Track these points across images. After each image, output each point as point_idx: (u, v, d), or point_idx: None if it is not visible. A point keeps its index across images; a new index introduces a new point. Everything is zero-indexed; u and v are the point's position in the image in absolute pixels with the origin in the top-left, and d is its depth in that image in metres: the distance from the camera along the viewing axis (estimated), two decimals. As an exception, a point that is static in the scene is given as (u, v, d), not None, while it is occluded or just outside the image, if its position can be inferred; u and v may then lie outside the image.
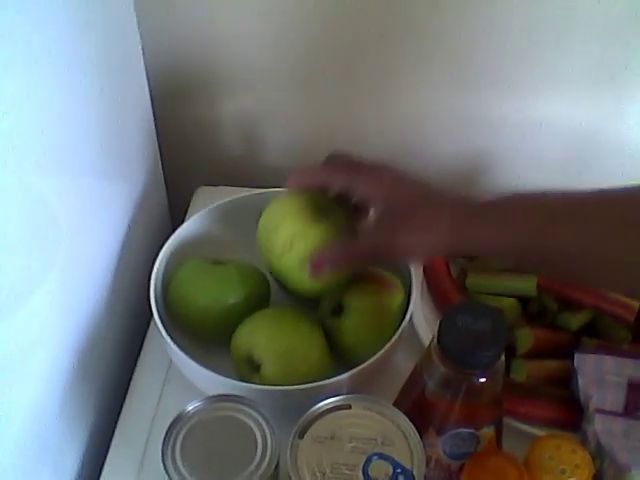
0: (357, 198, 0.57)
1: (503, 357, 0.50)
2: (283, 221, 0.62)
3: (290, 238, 0.61)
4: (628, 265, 0.49)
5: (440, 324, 0.50)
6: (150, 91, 0.77)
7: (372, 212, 0.57)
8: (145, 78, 0.75)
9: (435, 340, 0.50)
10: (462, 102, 0.82)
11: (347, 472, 0.49)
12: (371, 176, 0.56)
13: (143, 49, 0.73)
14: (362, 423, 0.51)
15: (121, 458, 0.62)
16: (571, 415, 0.62)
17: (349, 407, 0.52)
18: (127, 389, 0.66)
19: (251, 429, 0.51)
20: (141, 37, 0.72)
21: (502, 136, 0.85)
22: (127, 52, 0.70)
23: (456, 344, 0.49)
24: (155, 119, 0.79)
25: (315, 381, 0.58)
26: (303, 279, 0.62)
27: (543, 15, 0.73)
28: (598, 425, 0.58)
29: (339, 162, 0.58)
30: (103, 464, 0.61)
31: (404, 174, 0.55)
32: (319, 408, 0.52)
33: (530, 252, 0.51)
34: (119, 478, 0.61)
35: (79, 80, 0.56)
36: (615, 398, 0.60)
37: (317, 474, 0.49)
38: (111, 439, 0.63)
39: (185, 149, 0.89)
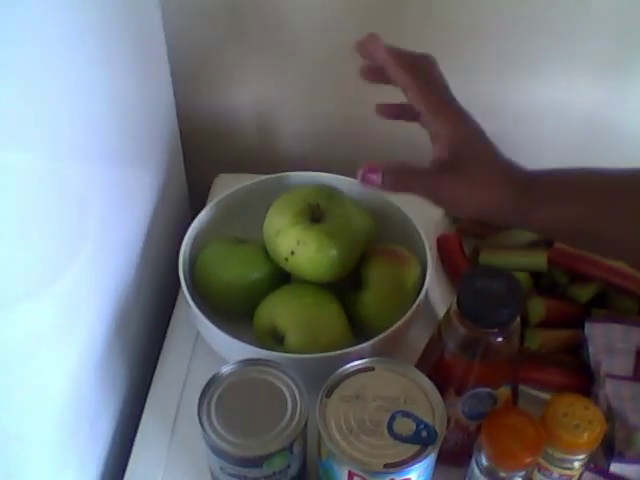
0: (430, 130, 0.54)
1: (519, 318, 0.53)
2: (284, 227, 0.65)
3: (292, 245, 0.64)
4: None
5: (459, 287, 0.53)
6: (173, 82, 0.80)
7: (436, 148, 0.53)
8: (168, 69, 0.78)
9: (455, 303, 0.53)
10: (466, 88, 0.84)
11: (373, 428, 0.51)
12: (453, 114, 0.54)
13: (166, 40, 0.76)
14: (385, 384, 0.54)
15: (154, 422, 0.65)
16: (582, 381, 0.64)
17: (373, 369, 0.55)
18: (157, 360, 0.69)
19: (281, 390, 0.54)
20: (165, 31, 0.75)
21: (507, 121, 0.87)
22: (150, 44, 0.73)
23: (475, 304, 0.51)
24: (177, 111, 0.82)
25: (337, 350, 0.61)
26: (313, 275, 0.66)
27: (551, 4, 0.76)
28: (609, 388, 0.61)
29: (426, 77, 0.55)
30: (137, 427, 0.64)
31: (482, 129, 0.54)
32: (345, 370, 0.55)
33: (581, 234, 0.52)
34: (152, 441, 0.64)
35: (105, 72, 0.59)
36: (624, 364, 0.62)
37: (344, 430, 0.51)
38: (144, 405, 0.66)
39: (205, 139, 0.91)
